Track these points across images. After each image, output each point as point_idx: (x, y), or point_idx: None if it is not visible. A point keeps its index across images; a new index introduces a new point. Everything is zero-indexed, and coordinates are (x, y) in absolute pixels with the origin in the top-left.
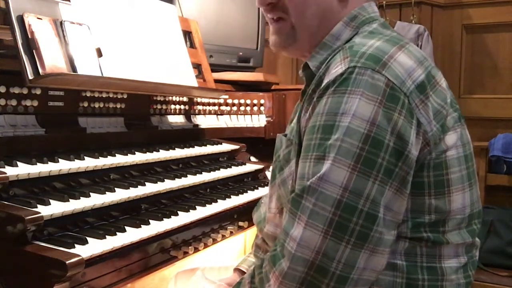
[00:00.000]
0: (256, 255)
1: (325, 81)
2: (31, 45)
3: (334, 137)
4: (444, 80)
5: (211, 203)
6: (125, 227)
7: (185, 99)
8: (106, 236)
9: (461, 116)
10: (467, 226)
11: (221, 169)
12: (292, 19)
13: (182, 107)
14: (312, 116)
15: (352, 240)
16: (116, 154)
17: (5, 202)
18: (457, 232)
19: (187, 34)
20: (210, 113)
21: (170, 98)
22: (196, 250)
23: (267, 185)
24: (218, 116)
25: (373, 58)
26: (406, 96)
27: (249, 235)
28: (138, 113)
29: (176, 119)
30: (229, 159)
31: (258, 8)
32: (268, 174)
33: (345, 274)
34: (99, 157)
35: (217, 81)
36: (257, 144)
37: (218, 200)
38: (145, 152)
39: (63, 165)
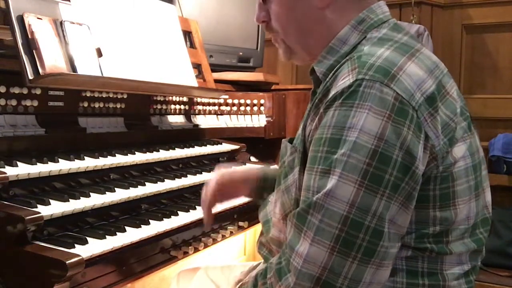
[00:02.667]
0: (260, 252)
1: (332, 92)
2: (31, 45)
3: (340, 151)
4: (456, 87)
5: None
6: (125, 227)
7: (185, 99)
8: (106, 236)
9: (471, 125)
10: (471, 236)
11: None
12: (281, 36)
13: (182, 107)
14: (318, 127)
15: (359, 256)
16: (116, 154)
17: (5, 202)
18: (461, 242)
19: (187, 34)
20: (210, 113)
21: (170, 98)
22: (196, 250)
23: None
24: (218, 116)
25: (382, 71)
26: (414, 110)
27: (249, 235)
28: (138, 113)
29: (176, 119)
30: (229, 159)
31: None
32: None
33: None
34: (99, 157)
35: (217, 81)
36: (257, 144)
37: None
38: (145, 152)
39: (63, 165)
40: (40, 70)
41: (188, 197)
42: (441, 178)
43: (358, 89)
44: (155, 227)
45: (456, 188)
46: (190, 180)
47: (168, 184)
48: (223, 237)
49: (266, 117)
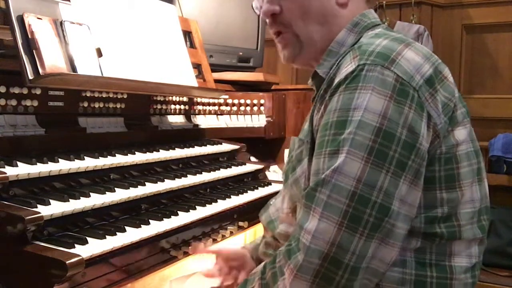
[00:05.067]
0: (267, 252)
1: (337, 80)
2: (31, 45)
3: (347, 131)
4: (451, 75)
5: (211, 203)
6: (125, 227)
7: (185, 99)
8: (106, 236)
9: (468, 112)
10: (478, 221)
11: (221, 169)
12: (294, 29)
13: (182, 107)
14: (324, 114)
15: (366, 231)
16: (116, 154)
17: (5, 202)
18: (470, 227)
19: (187, 34)
20: (210, 113)
21: (170, 98)
22: None
23: (267, 185)
24: (218, 116)
25: (382, 56)
26: (415, 90)
27: (249, 235)
28: (138, 113)
29: (176, 119)
30: (229, 159)
31: None
32: (268, 174)
33: (358, 265)
34: (99, 157)
35: (217, 81)
36: (257, 144)
37: (218, 200)
38: (145, 152)
39: (63, 165)
40: (40, 70)
41: (188, 197)
42: (445, 160)
43: (360, 73)
44: (155, 227)
45: (460, 170)
46: (190, 180)
47: (168, 184)
48: (223, 237)
49: (266, 117)
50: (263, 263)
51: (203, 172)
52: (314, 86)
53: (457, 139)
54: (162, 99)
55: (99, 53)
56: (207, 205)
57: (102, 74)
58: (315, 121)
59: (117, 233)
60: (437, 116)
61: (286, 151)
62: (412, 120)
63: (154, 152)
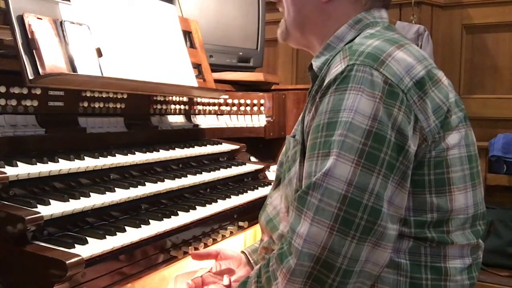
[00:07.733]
0: (266, 257)
1: (327, 81)
2: (31, 45)
3: (337, 132)
4: (447, 79)
5: (211, 203)
6: (125, 227)
7: (185, 99)
8: (106, 236)
9: (466, 117)
10: (471, 227)
11: (221, 169)
12: (285, 15)
13: (182, 107)
14: (316, 116)
15: (358, 235)
16: (116, 154)
17: (5, 202)
18: (461, 232)
19: (187, 34)
20: (210, 113)
21: (170, 98)
22: (196, 250)
23: (267, 185)
24: (218, 116)
25: (371, 56)
26: (404, 93)
27: (249, 235)
28: (138, 113)
29: (176, 119)
30: (229, 159)
31: (258, 8)
32: (268, 174)
33: (350, 268)
34: (99, 157)
35: (217, 81)
36: (257, 144)
37: (218, 200)
38: (145, 152)
39: (63, 165)
40: (40, 70)
41: (188, 197)
42: (435, 163)
43: (350, 74)
44: (155, 227)
45: (451, 175)
46: (190, 180)
47: (168, 184)
48: (223, 237)
49: (266, 117)
50: (258, 266)
51: (203, 172)
52: (310, 78)
53: (448, 143)
54: (162, 99)
55: (99, 53)
56: (207, 205)
57: (102, 74)
58: (306, 121)
59: (117, 233)
60: (425, 120)
61: None
62: (401, 122)
63: (154, 152)
